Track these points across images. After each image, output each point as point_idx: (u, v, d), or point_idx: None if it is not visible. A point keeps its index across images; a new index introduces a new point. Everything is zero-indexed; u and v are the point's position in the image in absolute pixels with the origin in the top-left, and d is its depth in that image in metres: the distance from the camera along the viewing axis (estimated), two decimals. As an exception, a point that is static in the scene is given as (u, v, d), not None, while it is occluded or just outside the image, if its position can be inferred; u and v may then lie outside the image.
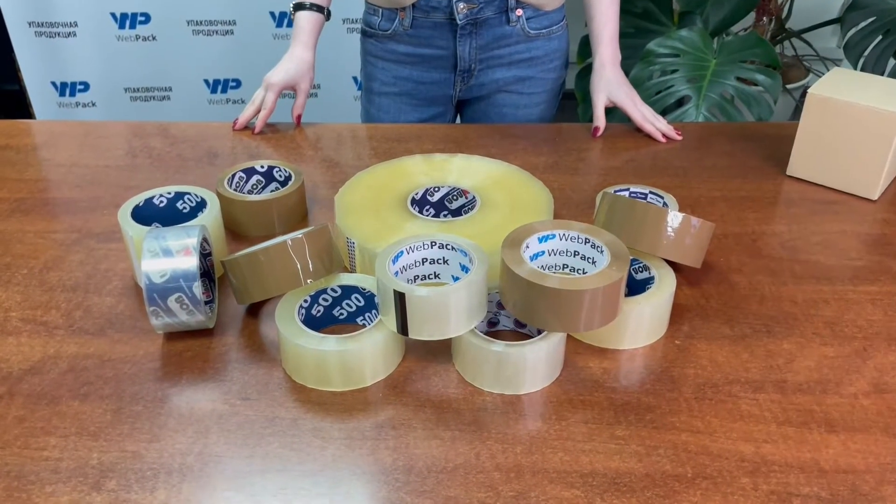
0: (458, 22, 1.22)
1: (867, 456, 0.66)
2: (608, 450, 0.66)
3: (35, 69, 2.30)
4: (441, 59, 1.28)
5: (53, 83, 2.33)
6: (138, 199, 0.88)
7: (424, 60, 1.29)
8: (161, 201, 0.90)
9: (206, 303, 0.78)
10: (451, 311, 0.69)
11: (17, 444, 0.67)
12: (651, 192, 0.97)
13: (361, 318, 0.81)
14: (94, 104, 2.37)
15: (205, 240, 0.81)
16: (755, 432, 0.68)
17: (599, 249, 0.75)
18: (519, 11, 1.23)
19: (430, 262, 0.78)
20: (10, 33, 2.22)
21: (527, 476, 0.64)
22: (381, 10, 1.27)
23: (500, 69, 1.29)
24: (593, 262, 0.76)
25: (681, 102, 1.69)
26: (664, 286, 0.78)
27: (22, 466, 0.65)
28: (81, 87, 2.34)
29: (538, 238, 0.76)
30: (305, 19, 1.23)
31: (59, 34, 2.24)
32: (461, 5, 1.20)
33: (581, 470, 0.64)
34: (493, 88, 1.32)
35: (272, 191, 1.02)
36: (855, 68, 2.02)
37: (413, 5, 1.22)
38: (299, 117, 1.26)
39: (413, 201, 0.93)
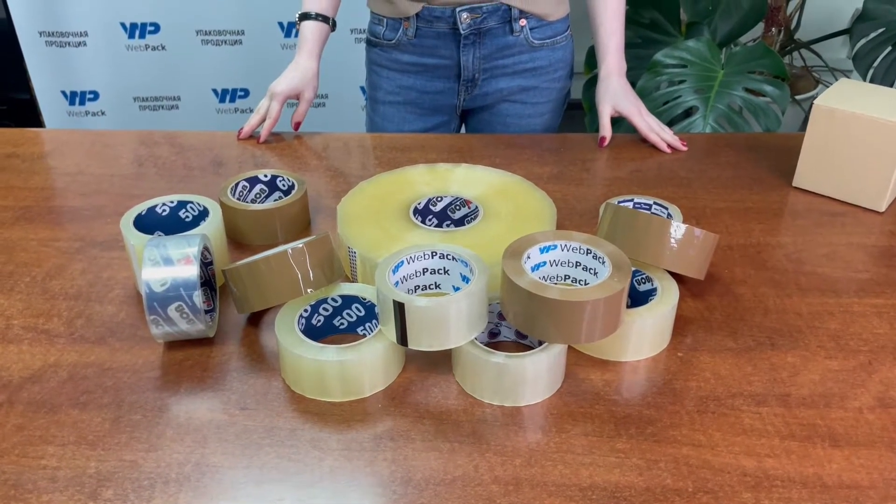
0: (462, 32, 1.22)
1: (871, 471, 0.65)
2: (608, 463, 0.66)
3: (45, 78, 2.32)
4: (445, 68, 1.28)
5: (63, 92, 2.34)
6: (141, 207, 0.89)
7: (428, 70, 1.29)
8: (164, 210, 0.90)
9: (207, 312, 0.78)
10: (451, 321, 0.69)
11: (15, 453, 0.67)
12: (655, 203, 0.96)
13: (362, 328, 0.81)
14: (103, 113, 2.39)
15: (206, 249, 0.81)
16: (758, 446, 0.67)
17: (601, 260, 0.74)
18: (522, 21, 1.23)
19: (430, 273, 0.78)
20: (21, 43, 2.24)
21: (525, 489, 0.63)
22: (385, 20, 1.27)
23: (504, 79, 1.29)
24: (595, 273, 0.75)
25: (688, 113, 1.68)
26: (667, 298, 0.78)
27: (20, 475, 0.65)
28: (91, 96, 2.36)
29: (539, 249, 0.76)
30: (310, 29, 1.23)
31: (69, 44, 2.26)
32: (464, 15, 1.20)
33: (580, 483, 0.64)
34: (497, 98, 1.32)
35: (275, 200, 1.02)
36: (864, 79, 2.01)
37: (417, 15, 1.22)
38: (298, 124, 1.26)
39: (416, 211, 0.93)
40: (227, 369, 0.76)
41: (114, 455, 0.67)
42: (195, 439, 0.68)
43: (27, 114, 2.45)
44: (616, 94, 1.22)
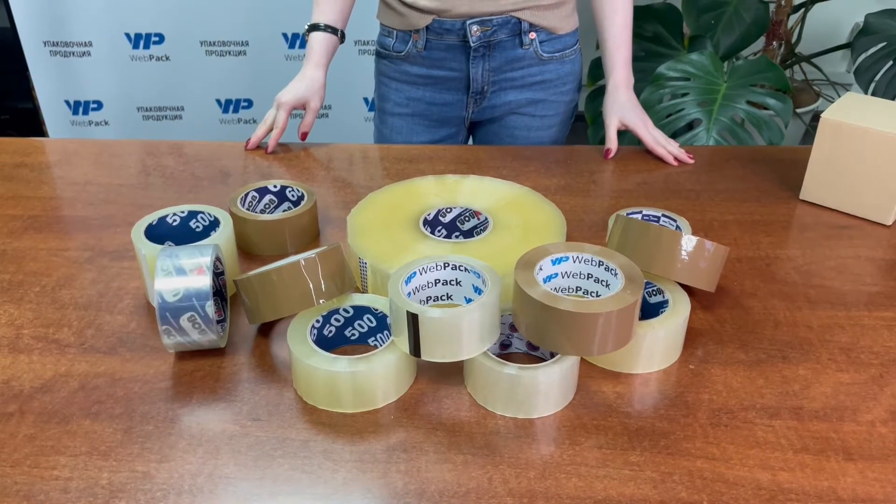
0: (472, 44, 1.22)
1: (885, 485, 0.64)
2: (622, 476, 0.65)
3: (49, 88, 2.32)
4: (454, 80, 1.28)
5: (67, 102, 2.35)
6: (152, 217, 0.89)
7: (437, 82, 1.29)
8: (174, 220, 0.90)
9: (219, 322, 0.78)
10: (464, 332, 0.69)
11: (27, 463, 0.66)
12: (664, 215, 0.97)
13: (373, 338, 0.81)
14: (106, 123, 2.39)
15: (217, 259, 0.81)
16: (771, 459, 0.67)
17: (613, 272, 0.74)
18: (532, 35, 1.24)
19: (442, 284, 0.78)
20: (25, 52, 2.25)
21: (540, 502, 0.63)
22: (395, 32, 1.28)
23: (513, 91, 1.30)
24: (607, 285, 0.75)
25: (691, 126, 1.69)
26: (678, 310, 0.78)
27: (31, 486, 0.64)
28: (95, 105, 2.36)
29: (551, 260, 0.76)
30: (318, 40, 1.24)
31: (73, 53, 2.27)
32: (474, 28, 1.21)
33: (595, 496, 0.63)
34: (506, 110, 1.32)
35: (284, 210, 1.02)
36: (865, 93, 2.02)
37: (427, 27, 1.23)
38: (305, 134, 1.26)
39: (425, 222, 0.93)
40: (239, 380, 0.76)
41: (126, 466, 0.66)
42: (207, 450, 0.68)
43: (30, 123, 2.46)
44: (623, 107, 1.23)
